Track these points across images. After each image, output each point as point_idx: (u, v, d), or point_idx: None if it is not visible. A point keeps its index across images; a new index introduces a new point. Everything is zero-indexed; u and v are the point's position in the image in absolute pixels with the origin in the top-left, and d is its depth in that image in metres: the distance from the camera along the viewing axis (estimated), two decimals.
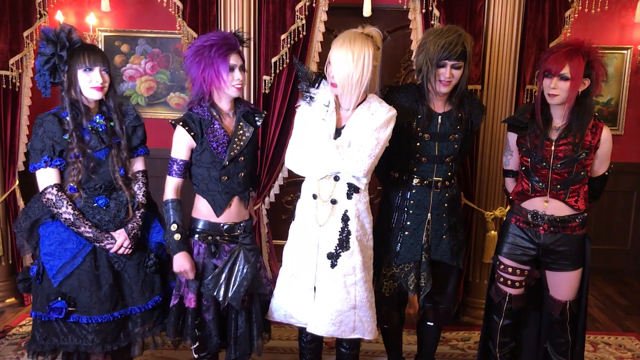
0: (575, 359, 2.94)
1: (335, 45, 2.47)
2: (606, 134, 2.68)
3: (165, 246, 2.59)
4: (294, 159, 2.60)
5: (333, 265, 2.55)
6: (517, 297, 2.88)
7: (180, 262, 2.52)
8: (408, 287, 2.83)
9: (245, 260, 2.58)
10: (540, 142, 2.69)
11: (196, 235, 2.62)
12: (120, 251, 2.47)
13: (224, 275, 2.55)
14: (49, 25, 3.79)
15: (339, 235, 2.55)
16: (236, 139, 2.56)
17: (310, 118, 2.58)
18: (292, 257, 2.68)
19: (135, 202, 2.55)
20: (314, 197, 2.59)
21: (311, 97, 2.61)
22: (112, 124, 2.50)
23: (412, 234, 2.82)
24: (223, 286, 2.54)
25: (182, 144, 2.54)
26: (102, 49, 4.72)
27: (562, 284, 2.82)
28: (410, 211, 2.82)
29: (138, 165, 2.61)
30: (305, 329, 2.65)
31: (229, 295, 2.54)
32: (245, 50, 2.79)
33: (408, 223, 2.82)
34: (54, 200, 2.38)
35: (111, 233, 2.46)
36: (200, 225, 2.61)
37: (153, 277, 2.58)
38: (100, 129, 2.46)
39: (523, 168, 2.81)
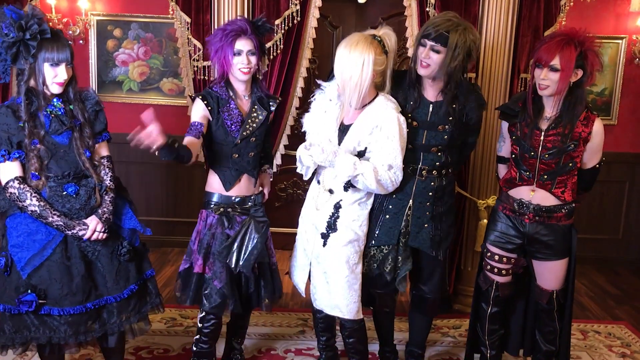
0: (562, 348, 2.96)
1: (339, 48, 2.55)
2: (598, 126, 2.63)
3: (142, 229, 2.59)
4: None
5: (324, 245, 2.74)
6: (504, 285, 2.89)
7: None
8: (384, 270, 2.84)
9: (255, 230, 2.74)
10: (530, 131, 2.67)
11: (210, 207, 2.80)
12: (95, 236, 2.40)
13: (236, 244, 2.73)
14: (40, 9, 3.73)
15: (329, 218, 2.73)
16: (249, 120, 2.72)
17: (317, 109, 2.77)
18: (301, 230, 2.91)
19: (103, 187, 2.48)
20: (319, 182, 2.79)
21: (321, 89, 2.77)
22: (71, 107, 2.42)
23: (391, 217, 2.82)
24: (235, 254, 2.72)
25: (199, 112, 2.68)
26: (95, 33, 4.72)
27: (548, 273, 2.83)
28: (393, 195, 2.81)
29: (102, 150, 2.55)
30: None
31: (240, 262, 2.71)
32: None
33: (390, 207, 2.82)
34: (17, 194, 2.30)
35: (82, 220, 2.39)
36: (214, 199, 2.79)
37: (127, 266, 2.52)
38: (60, 112, 2.37)
39: (513, 156, 2.81)
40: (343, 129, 2.67)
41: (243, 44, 2.63)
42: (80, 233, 2.38)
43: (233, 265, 2.72)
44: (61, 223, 2.34)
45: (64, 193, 2.37)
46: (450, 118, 2.74)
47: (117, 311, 2.48)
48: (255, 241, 2.73)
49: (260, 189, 2.93)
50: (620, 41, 4.74)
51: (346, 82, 2.53)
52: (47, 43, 2.28)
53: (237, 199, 2.79)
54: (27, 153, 2.32)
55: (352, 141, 2.63)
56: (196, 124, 2.65)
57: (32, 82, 2.32)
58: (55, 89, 2.34)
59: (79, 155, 2.40)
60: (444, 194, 2.87)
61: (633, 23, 4.68)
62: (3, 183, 2.33)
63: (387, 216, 2.82)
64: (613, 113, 4.86)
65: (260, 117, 2.74)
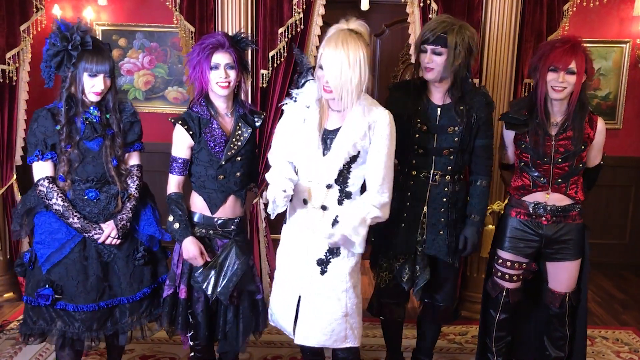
0: (576, 353, 2.94)
1: (327, 49, 2.29)
2: (601, 125, 2.77)
3: (171, 234, 2.57)
4: (274, 157, 2.56)
5: (323, 272, 2.44)
6: (514, 291, 2.89)
7: (187, 249, 2.52)
8: (402, 280, 2.83)
9: (236, 256, 2.57)
10: (542, 138, 2.71)
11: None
12: (108, 241, 2.53)
13: (214, 270, 2.55)
14: (46, 19, 3.79)
15: None
16: (234, 139, 2.59)
17: (293, 118, 2.50)
18: (282, 261, 2.60)
19: (126, 194, 2.60)
20: (305, 202, 2.48)
21: (294, 99, 2.52)
22: (107, 115, 2.54)
23: (407, 226, 2.81)
24: (212, 280, 2.55)
25: (181, 143, 2.56)
26: None
27: (563, 274, 2.83)
28: (408, 203, 2.81)
29: (134, 159, 2.67)
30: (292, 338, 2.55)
31: (218, 289, 2.55)
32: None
33: (405, 215, 2.81)
34: (45, 192, 2.46)
35: (100, 224, 2.52)
36: (195, 218, 2.62)
37: (142, 269, 2.63)
38: (94, 120, 2.51)
39: (522, 164, 2.81)
40: (327, 135, 2.43)
41: (220, 58, 2.48)
42: (95, 237, 2.51)
43: (210, 292, 2.54)
44: (79, 225, 2.49)
45: (85, 197, 2.52)
46: (459, 119, 2.74)
47: (129, 311, 2.61)
48: (235, 267, 2.55)
49: (243, 212, 2.75)
50: (624, 45, 4.73)
51: (345, 86, 2.27)
52: (88, 54, 2.42)
53: (219, 221, 2.61)
54: (59, 155, 2.47)
55: (346, 145, 2.38)
56: (180, 162, 2.56)
57: (72, 89, 2.46)
58: (93, 98, 2.48)
59: (107, 163, 2.53)
60: (457, 200, 2.85)
61: (637, 27, 4.67)
62: (35, 180, 2.50)
63: (403, 225, 2.81)
64: (618, 117, 4.85)
65: (245, 135, 2.60)
